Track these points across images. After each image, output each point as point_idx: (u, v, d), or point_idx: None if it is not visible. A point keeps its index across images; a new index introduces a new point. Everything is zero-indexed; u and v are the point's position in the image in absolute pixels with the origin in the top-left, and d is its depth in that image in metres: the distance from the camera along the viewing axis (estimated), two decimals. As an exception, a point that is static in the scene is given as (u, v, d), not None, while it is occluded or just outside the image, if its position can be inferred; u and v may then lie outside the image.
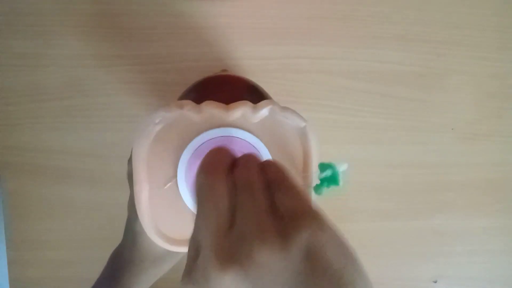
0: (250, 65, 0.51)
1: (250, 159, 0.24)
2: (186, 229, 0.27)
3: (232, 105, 0.26)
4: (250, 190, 0.22)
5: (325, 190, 0.27)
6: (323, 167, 0.26)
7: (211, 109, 0.26)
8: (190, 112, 0.25)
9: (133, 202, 0.32)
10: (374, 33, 0.52)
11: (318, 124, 0.53)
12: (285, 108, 0.27)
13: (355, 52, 0.52)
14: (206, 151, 0.26)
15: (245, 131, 0.26)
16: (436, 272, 0.57)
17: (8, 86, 0.50)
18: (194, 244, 0.21)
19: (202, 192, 0.22)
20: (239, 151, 0.27)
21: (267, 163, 0.24)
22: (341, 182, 0.26)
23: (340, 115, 0.53)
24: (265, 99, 0.36)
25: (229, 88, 0.36)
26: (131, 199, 0.33)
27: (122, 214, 0.51)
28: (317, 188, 0.27)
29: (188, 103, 0.26)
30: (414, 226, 0.55)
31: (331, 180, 0.27)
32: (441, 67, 0.53)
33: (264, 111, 0.26)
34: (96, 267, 0.52)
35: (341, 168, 0.26)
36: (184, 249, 0.28)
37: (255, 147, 0.27)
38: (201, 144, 0.26)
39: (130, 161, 0.31)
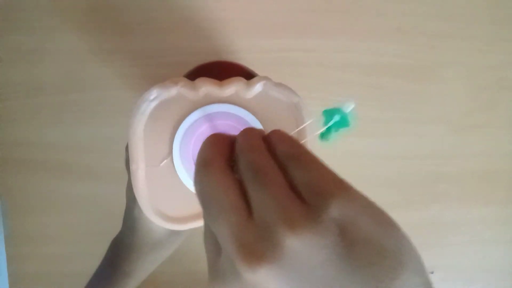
0: (246, 58, 0.51)
1: (252, 135, 0.22)
2: (183, 206, 0.27)
3: (225, 81, 0.26)
4: (262, 171, 0.19)
5: (334, 134, 0.26)
6: (329, 113, 0.26)
7: (205, 86, 0.26)
8: (184, 89, 0.26)
9: (131, 188, 0.32)
10: (369, 26, 0.52)
11: (313, 116, 0.53)
12: (278, 84, 0.27)
13: (350, 45, 0.52)
14: (200, 127, 0.26)
15: (239, 107, 0.27)
16: (432, 262, 0.57)
17: (5, 81, 0.50)
18: (211, 238, 0.19)
19: (205, 188, 0.19)
20: (234, 127, 0.27)
21: (274, 135, 0.22)
22: (351, 123, 0.26)
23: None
24: None
25: (224, 73, 0.36)
26: (129, 185, 0.33)
27: (120, 208, 0.51)
28: (324, 135, 0.26)
29: (183, 80, 0.26)
30: (409, 217, 0.56)
31: (341, 123, 0.26)
32: (435, 60, 0.54)
33: (257, 86, 0.26)
34: (95, 262, 0.52)
35: (348, 108, 0.26)
36: (183, 227, 0.28)
37: (249, 123, 0.27)
38: (196, 121, 0.26)
39: (127, 148, 0.32)
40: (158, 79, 0.50)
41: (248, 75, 0.38)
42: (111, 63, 0.50)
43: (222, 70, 0.38)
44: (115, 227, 0.52)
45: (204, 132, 0.27)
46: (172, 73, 0.50)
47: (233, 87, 0.26)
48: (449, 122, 0.55)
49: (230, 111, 0.27)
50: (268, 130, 0.26)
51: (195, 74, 0.38)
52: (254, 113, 0.27)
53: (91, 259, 0.52)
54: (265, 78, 0.27)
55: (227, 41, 0.51)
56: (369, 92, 0.53)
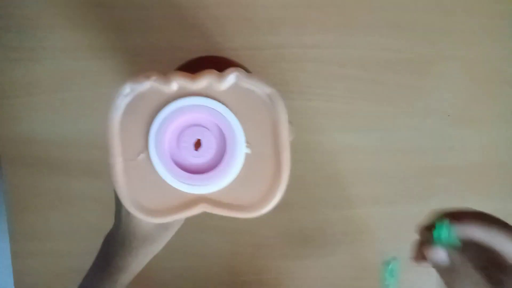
0: (244, 55, 0.51)
1: None
2: (162, 199, 0.28)
3: (197, 74, 0.27)
4: None
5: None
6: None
7: (177, 79, 0.26)
8: (157, 83, 0.26)
9: None
10: (367, 21, 0.52)
11: (312, 112, 0.53)
12: (250, 75, 0.27)
13: (348, 40, 0.52)
14: (175, 121, 0.27)
15: (212, 100, 0.27)
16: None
17: (5, 79, 0.50)
18: None
19: None
20: (208, 119, 0.27)
21: None
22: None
23: (333, 103, 0.53)
24: None
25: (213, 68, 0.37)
26: None
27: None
28: None
29: (155, 74, 0.26)
30: (409, 210, 0.56)
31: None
32: (433, 54, 0.54)
33: (230, 78, 0.26)
34: (97, 257, 0.53)
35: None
36: (163, 219, 0.28)
37: (223, 115, 0.27)
38: (170, 114, 0.27)
39: None
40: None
41: (232, 65, 0.38)
42: (109, 60, 0.50)
43: (211, 66, 0.39)
44: (117, 223, 0.53)
45: (179, 125, 0.27)
46: (171, 69, 0.50)
47: (205, 79, 0.26)
48: (448, 116, 0.55)
49: (203, 103, 0.27)
50: (243, 122, 0.27)
51: (184, 70, 0.38)
52: (227, 105, 0.27)
53: (93, 255, 0.53)
54: (237, 69, 0.27)
55: (224, 38, 0.51)
56: (368, 87, 0.53)
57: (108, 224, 0.52)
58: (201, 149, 0.27)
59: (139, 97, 0.27)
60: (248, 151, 0.28)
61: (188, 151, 0.27)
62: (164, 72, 0.27)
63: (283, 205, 0.30)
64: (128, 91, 0.26)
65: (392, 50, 0.53)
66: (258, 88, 0.27)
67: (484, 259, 0.32)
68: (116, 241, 0.36)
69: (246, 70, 0.38)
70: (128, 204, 0.28)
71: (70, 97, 0.51)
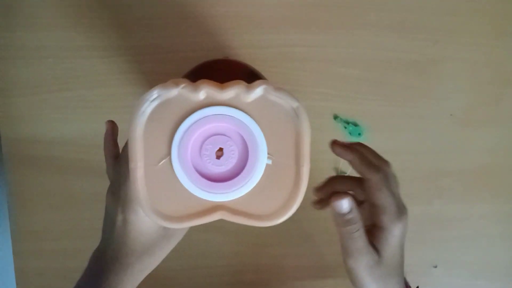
0: (248, 54, 0.51)
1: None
2: (181, 205, 0.28)
3: (226, 84, 0.27)
4: None
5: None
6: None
7: (206, 88, 0.26)
8: (185, 90, 0.26)
9: (114, 193, 0.32)
10: (371, 20, 0.52)
11: (316, 112, 0.53)
12: (278, 88, 0.27)
13: (352, 40, 0.52)
14: (199, 129, 0.27)
15: (239, 110, 0.27)
16: (435, 257, 0.57)
17: (9, 78, 0.50)
18: None
19: None
20: (233, 129, 0.27)
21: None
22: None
23: (337, 102, 0.53)
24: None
25: (227, 72, 0.36)
26: (113, 189, 0.33)
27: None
28: None
29: (184, 81, 0.26)
30: (413, 212, 0.55)
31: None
32: (438, 54, 0.53)
33: (258, 90, 0.27)
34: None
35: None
36: (180, 225, 0.28)
37: (247, 126, 0.27)
38: (195, 122, 0.27)
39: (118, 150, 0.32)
40: (161, 75, 0.51)
41: (250, 73, 0.38)
42: (112, 59, 0.50)
43: (224, 69, 0.39)
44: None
45: (202, 133, 0.27)
46: (175, 69, 0.51)
47: (234, 90, 0.26)
48: (452, 117, 0.55)
49: (230, 113, 0.27)
50: (267, 134, 0.27)
51: (196, 72, 0.38)
52: (253, 116, 0.27)
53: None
54: (266, 82, 0.27)
55: (229, 37, 0.51)
56: (372, 87, 0.53)
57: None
58: (222, 158, 0.28)
59: (165, 103, 0.27)
60: (269, 162, 0.28)
61: (209, 159, 0.28)
62: (192, 80, 0.27)
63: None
64: (155, 97, 0.26)
65: (396, 50, 0.53)
66: (284, 101, 0.27)
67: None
68: (108, 257, 0.33)
69: (255, 73, 0.38)
70: (146, 208, 0.28)
71: (73, 97, 0.51)
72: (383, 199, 0.34)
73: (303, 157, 0.28)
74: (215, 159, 0.28)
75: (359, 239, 0.33)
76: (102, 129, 0.52)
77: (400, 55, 0.53)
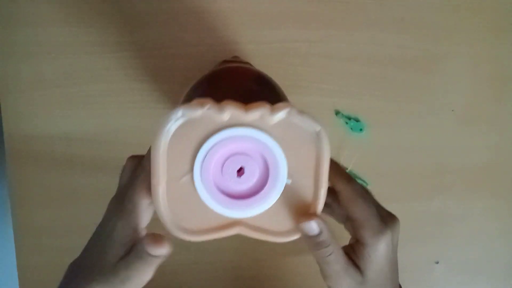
0: (250, 49, 0.51)
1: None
2: (200, 220, 0.29)
3: (250, 105, 0.27)
4: None
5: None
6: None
7: (230, 109, 0.27)
8: (211, 111, 0.27)
9: (118, 200, 0.31)
10: (373, 16, 0.52)
11: (317, 107, 0.53)
12: (302, 112, 0.28)
13: (353, 36, 0.52)
14: (222, 148, 0.28)
15: (262, 132, 0.27)
16: (436, 254, 0.58)
17: (11, 74, 0.50)
18: None
19: None
20: (254, 149, 0.28)
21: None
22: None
23: (339, 98, 0.53)
24: (276, 91, 0.37)
25: (238, 81, 0.37)
26: (118, 198, 0.32)
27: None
28: None
29: (209, 101, 0.27)
30: (414, 208, 0.56)
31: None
32: (439, 50, 0.53)
33: (281, 113, 0.27)
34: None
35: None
36: (199, 239, 0.29)
37: (271, 148, 0.28)
38: (218, 142, 0.27)
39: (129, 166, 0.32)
40: (164, 70, 0.51)
41: (261, 80, 0.39)
42: (115, 54, 0.50)
43: (237, 79, 0.39)
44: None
45: (225, 152, 0.28)
46: (177, 64, 0.51)
47: (258, 112, 0.27)
48: (454, 114, 0.55)
49: (253, 135, 0.27)
50: (288, 156, 0.28)
51: (209, 82, 0.38)
52: (275, 138, 0.28)
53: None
54: (289, 105, 0.27)
55: (232, 32, 0.51)
56: (374, 83, 0.53)
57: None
58: (243, 176, 0.28)
59: (189, 122, 0.27)
60: (288, 182, 0.29)
61: (230, 177, 0.28)
62: (217, 100, 0.27)
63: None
64: (180, 116, 0.27)
65: (398, 46, 0.53)
66: (307, 124, 0.28)
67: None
68: (84, 268, 0.31)
69: (265, 79, 0.38)
70: (166, 221, 0.28)
71: (75, 92, 0.51)
72: (360, 212, 0.31)
73: (322, 179, 0.28)
74: (236, 177, 0.28)
75: (334, 263, 0.30)
76: (105, 124, 0.52)
77: (401, 51, 0.53)
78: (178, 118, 0.27)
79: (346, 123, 0.53)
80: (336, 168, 0.31)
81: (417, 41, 0.53)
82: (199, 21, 0.50)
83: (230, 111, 0.27)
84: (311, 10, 0.51)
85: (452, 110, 0.55)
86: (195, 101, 0.27)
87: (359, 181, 0.54)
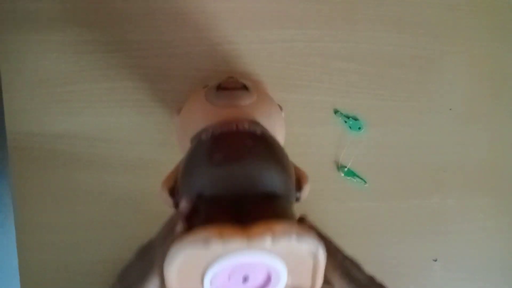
0: (248, 49, 0.52)
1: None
2: None
3: (253, 233, 0.28)
4: None
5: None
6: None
7: (233, 242, 0.28)
8: (215, 247, 0.28)
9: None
10: (370, 15, 0.53)
11: (316, 106, 0.53)
12: (301, 235, 0.29)
13: (351, 35, 0.53)
14: (229, 268, 0.29)
15: (265, 254, 0.29)
16: (434, 250, 0.58)
17: (14, 72, 0.50)
18: None
19: None
20: (258, 263, 0.29)
21: None
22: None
23: (337, 97, 0.53)
24: (277, 148, 0.37)
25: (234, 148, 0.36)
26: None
27: (127, 197, 0.52)
28: None
29: (212, 236, 0.28)
30: (412, 205, 0.56)
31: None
32: (437, 49, 0.54)
33: (283, 240, 0.28)
34: (102, 250, 0.53)
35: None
36: None
37: (273, 264, 0.29)
38: (225, 264, 0.29)
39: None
40: (164, 70, 0.51)
41: (257, 140, 0.37)
42: (117, 53, 0.51)
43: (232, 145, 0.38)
44: (123, 216, 0.53)
45: (231, 268, 0.29)
46: (177, 63, 0.51)
47: (261, 241, 0.28)
48: (452, 112, 0.55)
49: (257, 259, 0.29)
50: (288, 265, 0.30)
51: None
52: (277, 254, 0.29)
53: (99, 247, 0.54)
54: (290, 228, 0.29)
55: (229, 32, 0.51)
56: (372, 81, 0.54)
57: (115, 216, 0.52)
58: (247, 284, 0.30)
59: (195, 254, 0.29)
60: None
61: (236, 284, 0.30)
62: (222, 231, 0.28)
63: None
64: (186, 251, 0.28)
65: (397, 45, 0.53)
66: (307, 245, 0.29)
67: None
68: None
69: (262, 137, 0.37)
70: None
71: (77, 91, 0.51)
72: None
73: (317, 282, 0.31)
74: (241, 283, 0.30)
75: None
76: (106, 122, 0.52)
77: (400, 49, 0.53)
78: (184, 251, 0.28)
79: (345, 121, 0.54)
80: (332, 263, 0.33)
81: (415, 40, 0.53)
82: (199, 21, 0.51)
83: (232, 243, 0.28)
84: (309, 10, 0.52)
85: (450, 109, 0.55)
86: (199, 236, 0.28)
87: (357, 179, 0.54)
